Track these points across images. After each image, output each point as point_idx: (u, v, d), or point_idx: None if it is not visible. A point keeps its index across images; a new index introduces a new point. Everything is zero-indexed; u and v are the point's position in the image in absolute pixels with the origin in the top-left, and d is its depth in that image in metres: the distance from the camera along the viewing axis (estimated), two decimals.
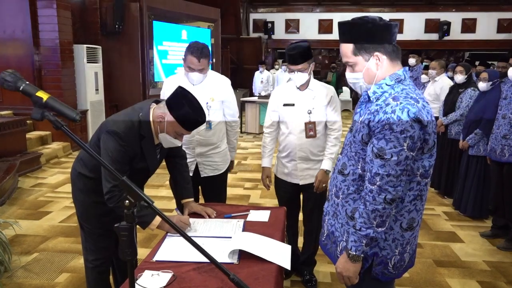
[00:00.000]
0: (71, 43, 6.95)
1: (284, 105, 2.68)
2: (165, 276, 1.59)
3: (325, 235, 1.75)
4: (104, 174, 1.90)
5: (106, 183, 1.89)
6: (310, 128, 2.61)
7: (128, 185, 1.23)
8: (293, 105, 2.65)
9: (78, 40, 7.34)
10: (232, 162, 3.01)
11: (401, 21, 13.38)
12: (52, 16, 6.55)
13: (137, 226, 1.99)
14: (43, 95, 1.19)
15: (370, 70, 1.49)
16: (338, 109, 2.71)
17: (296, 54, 2.50)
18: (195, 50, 2.53)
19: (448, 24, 13.63)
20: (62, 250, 3.42)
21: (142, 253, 3.03)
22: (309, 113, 2.61)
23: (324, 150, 2.70)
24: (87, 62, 7.22)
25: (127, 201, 1.24)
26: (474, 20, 13.81)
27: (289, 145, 2.69)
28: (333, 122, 2.67)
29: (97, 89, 7.52)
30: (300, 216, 2.99)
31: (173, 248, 1.83)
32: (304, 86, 2.64)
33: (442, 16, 13.85)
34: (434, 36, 14.01)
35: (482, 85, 3.94)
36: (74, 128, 6.85)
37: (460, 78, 4.53)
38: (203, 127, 2.66)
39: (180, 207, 2.37)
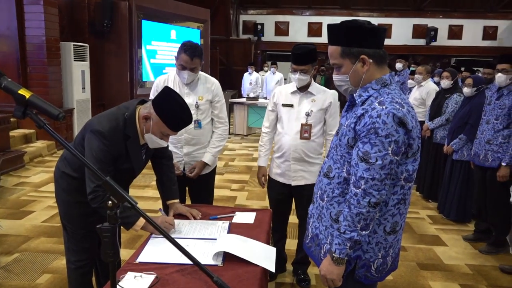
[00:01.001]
0: (58, 41, 6.85)
1: (283, 105, 2.71)
2: (148, 278, 1.58)
3: (309, 237, 1.75)
4: (88, 174, 1.88)
5: (89, 183, 1.86)
6: (305, 130, 2.64)
7: (111, 185, 1.22)
8: (291, 106, 2.68)
9: (65, 37, 7.25)
10: (203, 164, 2.72)
11: (389, 26, 13.54)
12: (38, 13, 6.46)
13: (121, 226, 1.98)
14: (25, 93, 1.17)
15: (357, 73, 1.51)
16: (337, 115, 2.73)
17: (301, 55, 2.53)
18: (189, 48, 2.54)
19: (435, 30, 13.84)
20: (44, 250, 3.36)
21: (126, 254, 3.00)
22: (307, 115, 2.63)
23: (319, 153, 2.73)
24: (74, 60, 7.13)
25: (110, 202, 1.23)
26: (461, 26, 14.05)
27: (284, 146, 2.70)
28: (332, 127, 2.69)
29: (83, 88, 7.43)
30: (291, 219, 2.99)
31: (157, 250, 1.81)
32: (304, 88, 2.65)
33: (430, 22, 14.06)
34: (421, 42, 14.20)
35: (467, 91, 4.01)
36: (59, 127, 6.76)
37: (446, 83, 4.60)
38: (192, 126, 2.65)
39: (166, 208, 2.35)
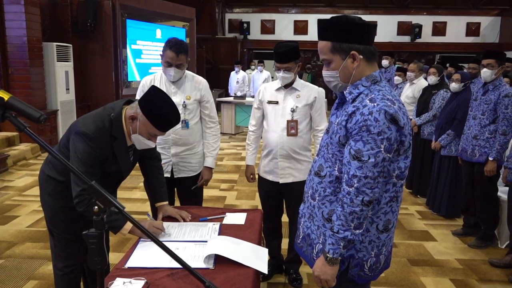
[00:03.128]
0: (40, 41, 6.72)
1: (269, 102, 2.69)
2: (138, 284, 1.53)
3: (300, 237, 1.73)
4: (73, 178, 1.83)
5: (75, 186, 1.81)
6: (292, 126, 2.62)
7: (97, 190, 1.18)
8: (277, 103, 2.66)
9: (48, 38, 7.12)
10: (208, 170, 2.77)
11: (374, 23, 13.60)
12: (19, 13, 6.32)
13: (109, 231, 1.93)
14: (4, 95, 1.13)
15: (346, 68, 1.49)
16: (323, 110, 2.72)
17: (284, 53, 2.52)
18: (174, 44, 2.51)
19: (419, 27, 13.97)
20: (29, 256, 3.28)
21: (114, 258, 2.94)
22: (292, 111, 2.62)
23: (306, 150, 2.71)
24: (57, 61, 7.01)
25: (96, 207, 1.18)
26: (444, 23, 14.21)
27: (271, 143, 2.69)
28: (319, 122, 2.68)
29: (67, 89, 7.31)
30: (283, 218, 2.96)
31: (146, 254, 1.76)
32: (289, 85, 2.64)
33: (414, 19, 14.18)
34: (406, 39, 14.32)
35: (455, 86, 4.02)
36: (43, 129, 6.63)
37: (433, 79, 4.62)
38: (179, 126, 2.61)
39: (155, 211, 2.30)
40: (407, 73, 5.35)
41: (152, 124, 1.85)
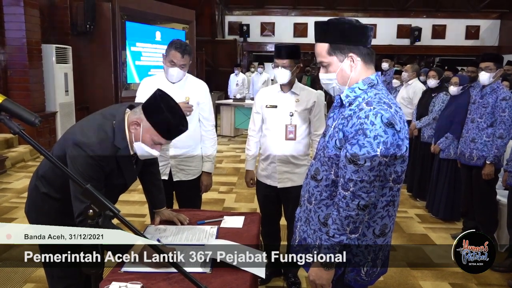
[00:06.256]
0: (39, 43, 6.71)
1: (267, 106, 2.68)
2: None
3: (297, 241, 1.72)
4: (75, 193, 1.63)
5: (78, 203, 1.62)
6: (290, 131, 2.61)
7: (92, 193, 1.17)
8: (275, 107, 2.65)
9: (47, 40, 7.11)
10: (207, 175, 2.76)
11: (374, 26, 13.58)
12: (18, 15, 6.31)
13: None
14: None
15: (344, 71, 1.48)
16: (322, 115, 2.70)
17: (283, 49, 2.54)
18: (179, 45, 2.53)
19: (419, 30, 13.99)
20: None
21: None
22: (290, 116, 2.61)
23: (305, 155, 2.70)
24: (56, 63, 7.00)
25: (91, 211, 1.18)
26: (444, 26, 14.23)
27: (269, 147, 2.68)
28: (317, 127, 2.66)
29: (67, 91, 7.30)
30: (282, 221, 2.95)
31: None
32: (287, 88, 2.63)
33: (414, 22, 14.20)
34: (406, 42, 14.33)
35: (453, 89, 4.02)
36: (42, 131, 6.61)
37: (432, 82, 4.62)
38: None
39: (153, 216, 2.28)
40: (402, 73, 5.40)
41: (157, 132, 1.68)
